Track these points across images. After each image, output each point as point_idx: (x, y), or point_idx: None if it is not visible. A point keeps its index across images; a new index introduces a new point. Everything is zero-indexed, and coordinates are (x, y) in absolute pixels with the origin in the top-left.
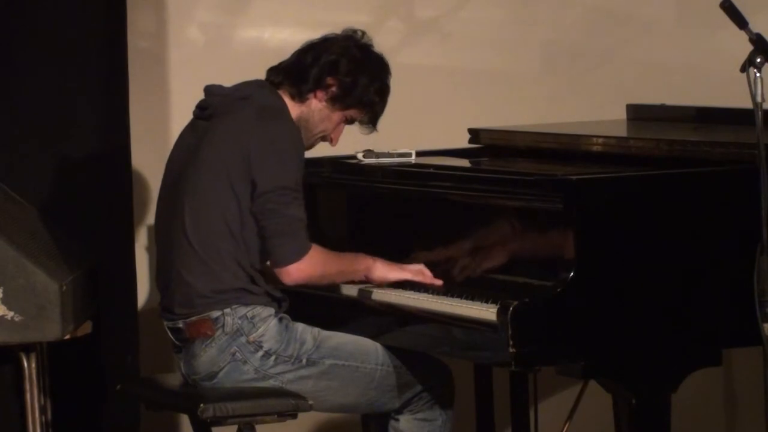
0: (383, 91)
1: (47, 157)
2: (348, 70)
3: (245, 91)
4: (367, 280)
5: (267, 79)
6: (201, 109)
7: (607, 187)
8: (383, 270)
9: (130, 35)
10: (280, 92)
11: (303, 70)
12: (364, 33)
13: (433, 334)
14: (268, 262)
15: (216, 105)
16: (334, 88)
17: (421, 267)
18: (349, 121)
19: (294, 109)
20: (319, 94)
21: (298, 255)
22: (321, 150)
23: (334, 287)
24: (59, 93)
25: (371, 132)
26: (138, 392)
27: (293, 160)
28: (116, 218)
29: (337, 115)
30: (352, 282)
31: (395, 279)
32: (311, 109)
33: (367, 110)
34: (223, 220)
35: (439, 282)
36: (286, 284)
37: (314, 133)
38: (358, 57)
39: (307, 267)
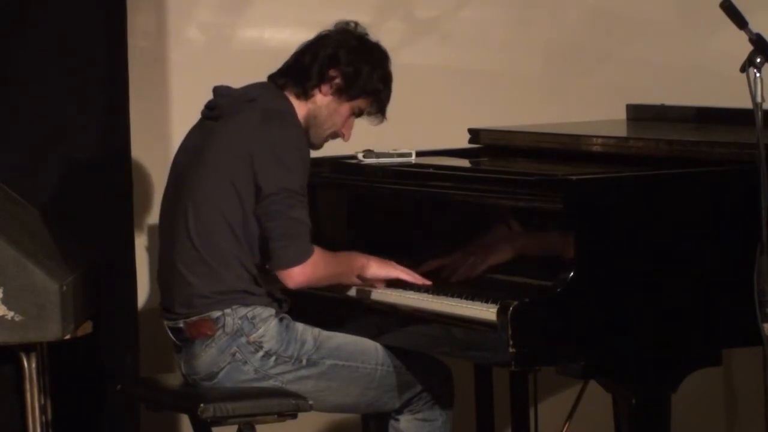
0: (386, 78)
1: (47, 157)
2: (349, 59)
3: (253, 93)
4: (361, 279)
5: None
6: (209, 109)
7: (607, 187)
8: (376, 268)
9: (130, 35)
10: (286, 93)
11: (304, 69)
12: (357, 24)
13: (433, 334)
14: (268, 265)
15: (224, 106)
16: (337, 80)
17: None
18: (358, 113)
19: (301, 108)
20: (324, 88)
21: (301, 258)
22: (321, 149)
23: (334, 287)
24: (59, 93)
25: (381, 122)
26: (138, 392)
27: (297, 164)
28: (116, 218)
29: (345, 108)
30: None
31: (387, 277)
32: (318, 105)
33: (373, 98)
34: (225, 220)
35: (428, 282)
36: (289, 287)
37: (324, 129)
38: (356, 46)
39: (310, 270)
